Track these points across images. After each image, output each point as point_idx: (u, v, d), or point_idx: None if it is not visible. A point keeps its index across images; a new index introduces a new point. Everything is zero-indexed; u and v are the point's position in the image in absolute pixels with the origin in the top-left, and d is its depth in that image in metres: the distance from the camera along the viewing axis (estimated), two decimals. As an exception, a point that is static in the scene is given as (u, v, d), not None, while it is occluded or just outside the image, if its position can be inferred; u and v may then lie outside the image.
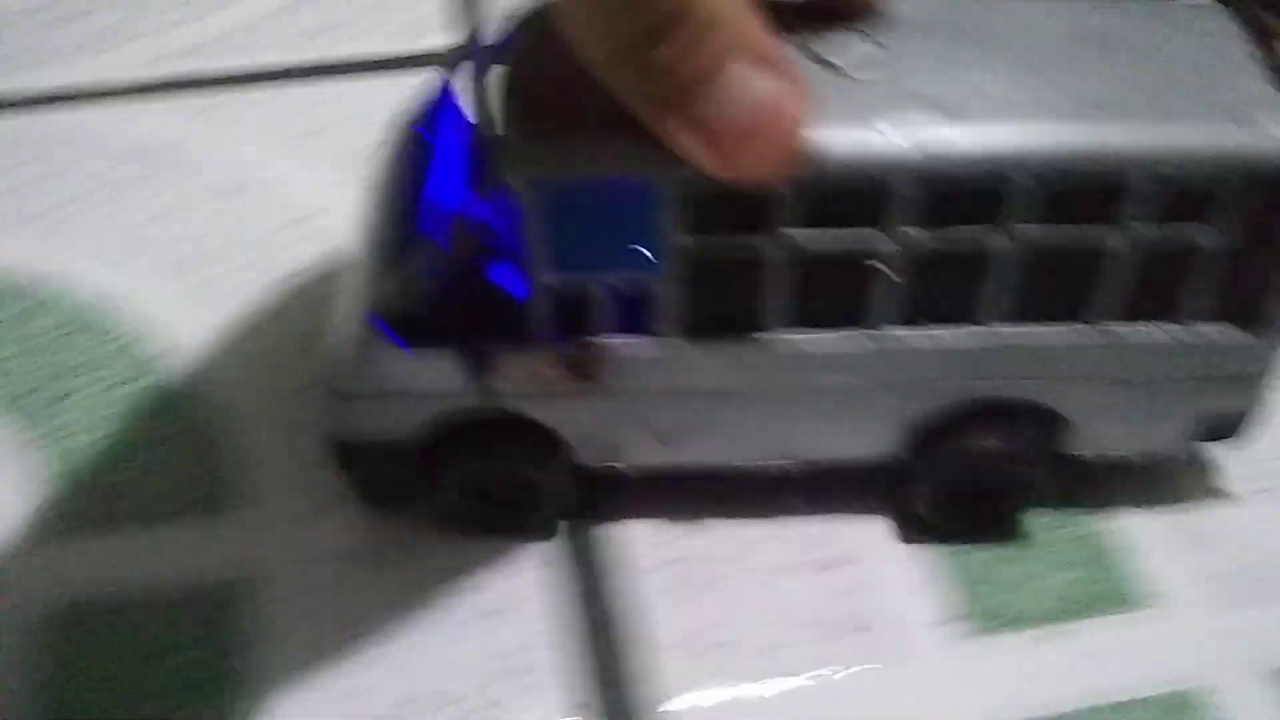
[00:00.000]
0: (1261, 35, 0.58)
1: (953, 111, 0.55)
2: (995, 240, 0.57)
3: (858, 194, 0.56)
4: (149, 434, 0.80)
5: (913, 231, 0.57)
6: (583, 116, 0.54)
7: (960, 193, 0.55)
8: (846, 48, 0.58)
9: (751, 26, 0.53)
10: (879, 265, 0.59)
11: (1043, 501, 0.73)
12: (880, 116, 0.56)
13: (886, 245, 0.58)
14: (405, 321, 0.62)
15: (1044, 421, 0.66)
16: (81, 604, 0.72)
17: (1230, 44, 0.57)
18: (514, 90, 0.58)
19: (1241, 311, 0.61)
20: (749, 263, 0.58)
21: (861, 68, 0.58)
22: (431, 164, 0.65)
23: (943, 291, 0.60)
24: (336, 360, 0.65)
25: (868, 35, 0.58)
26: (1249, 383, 0.66)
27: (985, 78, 0.57)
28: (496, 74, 0.59)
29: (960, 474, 0.68)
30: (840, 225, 0.58)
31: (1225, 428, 0.69)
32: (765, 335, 0.63)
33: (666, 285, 0.60)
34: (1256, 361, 0.64)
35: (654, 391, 0.66)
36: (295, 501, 0.76)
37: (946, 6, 0.61)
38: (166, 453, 0.79)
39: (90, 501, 0.77)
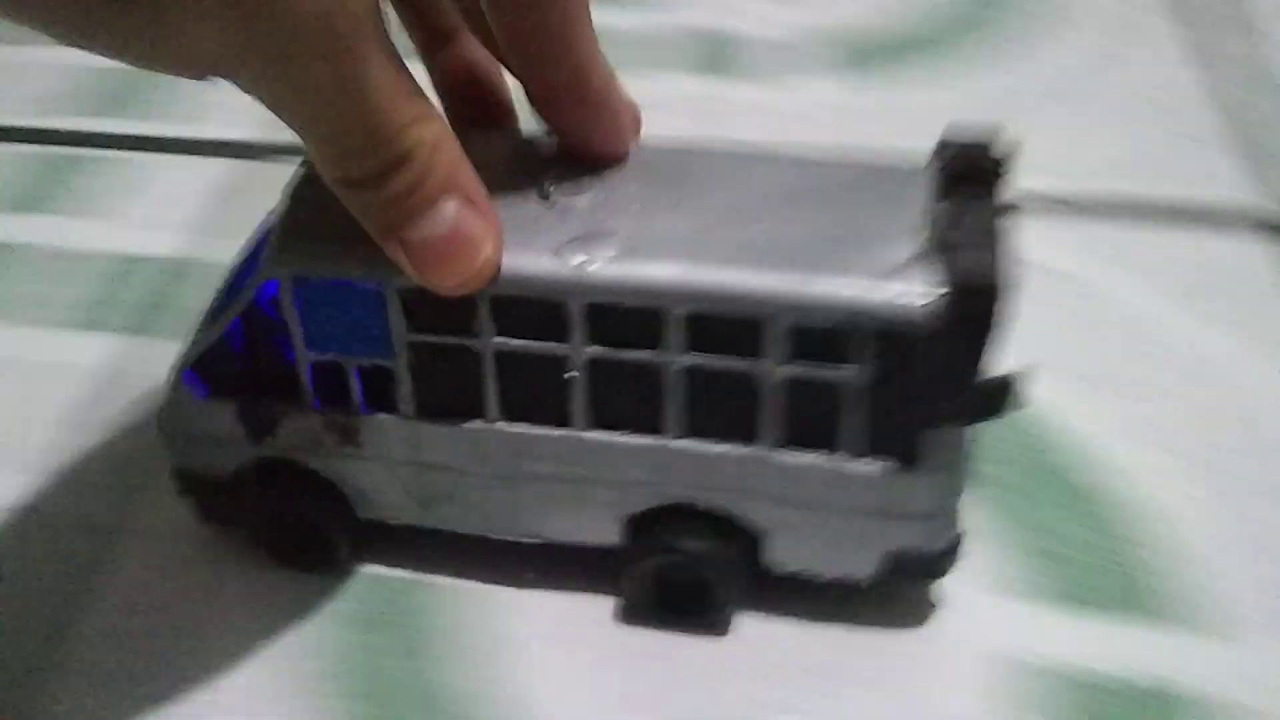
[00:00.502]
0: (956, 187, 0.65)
1: (631, 248, 0.66)
2: (661, 359, 0.67)
3: (543, 310, 0.67)
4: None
5: (589, 347, 0.68)
6: (336, 224, 0.65)
7: (622, 317, 0.66)
8: (573, 187, 0.70)
9: (461, 172, 0.67)
10: (570, 373, 0.70)
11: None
12: (570, 248, 0.66)
13: (571, 356, 0.69)
14: (206, 374, 0.76)
15: (738, 531, 0.73)
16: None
17: (910, 206, 0.65)
18: (297, 194, 0.72)
19: (895, 448, 0.66)
20: (464, 359, 0.70)
21: (575, 205, 0.69)
22: (259, 249, 0.76)
23: (626, 401, 0.69)
24: (161, 400, 0.80)
25: (597, 176, 0.70)
26: (923, 520, 0.70)
27: (677, 222, 0.67)
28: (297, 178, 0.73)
29: (664, 569, 0.75)
30: (534, 336, 0.69)
31: (916, 565, 0.73)
32: (483, 424, 0.73)
33: (399, 371, 0.72)
34: (923, 499, 0.68)
35: (400, 461, 0.76)
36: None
37: (676, 158, 0.72)
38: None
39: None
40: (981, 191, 0.62)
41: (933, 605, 0.80)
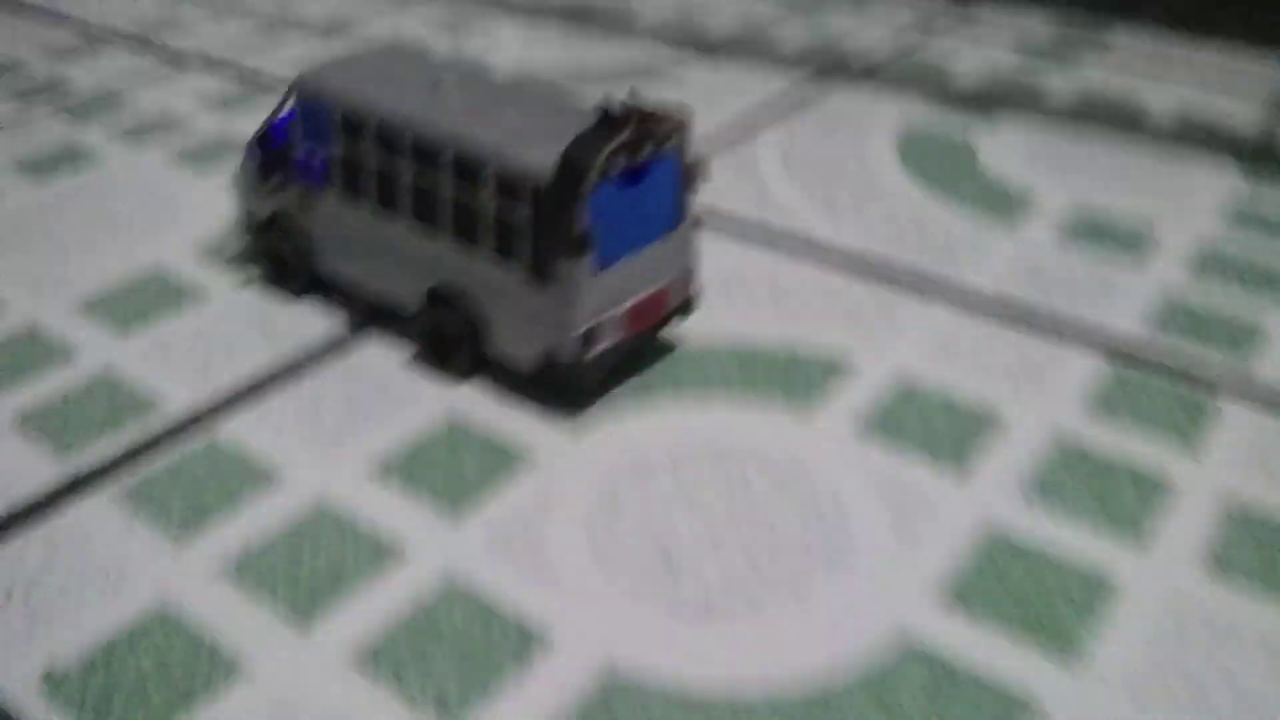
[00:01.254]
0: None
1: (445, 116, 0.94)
2: (441, 185, 0.93)
3: (395, 135, 0.95)
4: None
5: (413, 166, 0.94)
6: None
7: (426, 153, 0.93)
8: (450, 87, 0.99)
9: None
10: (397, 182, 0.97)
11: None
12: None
13: (403, 171, 0.95)
14: (263, 152, 1.08)
15: (473, 312, 0.95)
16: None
17: (576, 125, 0.89)
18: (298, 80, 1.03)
19: (541, 269, 0.89)
20: (359, 162, 0.98)
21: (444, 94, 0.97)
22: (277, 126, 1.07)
23: (430, 209, 0.94)
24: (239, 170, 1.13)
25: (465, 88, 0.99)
26: (555, 327, 0.89)
27: (476, 113, 0.94)
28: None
29: (429, 324, 0.99)
30: (391, 153, 0.96)
31: (553, 369, 0.92)
32: (364, 204, 1.00)
33: (333, 163, 1.01)
34: (552, 309, 0.89)
35: (327, 223, 1.04)
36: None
37: (501, 84, 1.01)
38: None
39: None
40: (616, 130, 0.87)
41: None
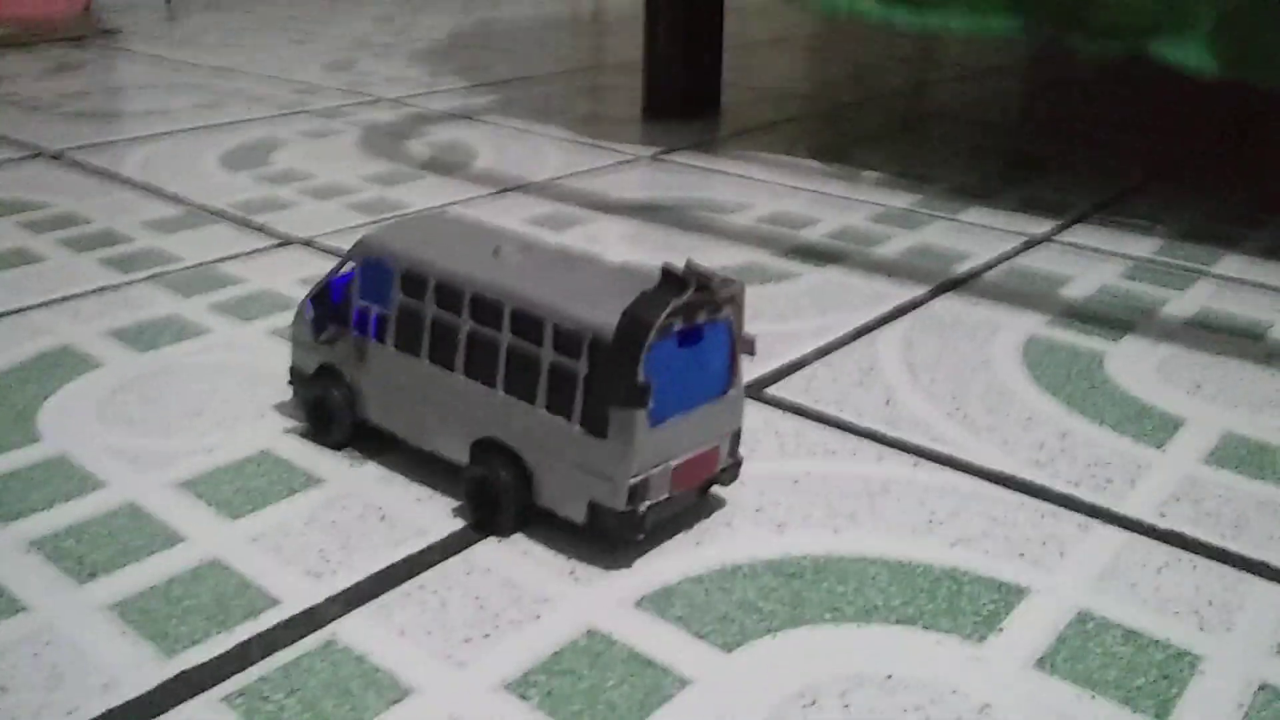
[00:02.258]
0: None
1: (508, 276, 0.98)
2: (498, 338, 0.97)
3: (454, 295, 0.99)
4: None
5: (469, 323, 0.98)
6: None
7: (484, 307, 0.97)
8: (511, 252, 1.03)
9: None
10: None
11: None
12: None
13: (460, 326, 0.99)
14: (318, 308, 1.11)
15: (521, 465, 0.96)
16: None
17: (637, 287, 0.92)
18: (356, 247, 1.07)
19: (596, 423, 0.91)
20: (416, 318, 1.01)
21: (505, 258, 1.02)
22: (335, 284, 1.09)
23: (482, 362, 0.98)
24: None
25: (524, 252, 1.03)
26: (607, 481, 0.91)
27: (539, 278, 0.99)
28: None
29: (475, 480, 0.98)
30: (449, 311, 1.00)
31: (605, 518, 0.92)
32: (418, 359, 1.03)
33: (391, 319, 1.04)
34: (606, 462, 0.90)
35: (379, 375, 1.06)
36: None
37: (557, 255, 1.05)
38: None
39: None
40: (678, 291, 0.90)
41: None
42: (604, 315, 0.90)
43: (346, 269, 1.07)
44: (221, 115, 2.57)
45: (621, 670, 0.82)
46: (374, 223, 1.82)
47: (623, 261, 1.03)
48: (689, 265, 0.92)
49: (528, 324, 0.94)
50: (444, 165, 2.18)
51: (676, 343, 0.91)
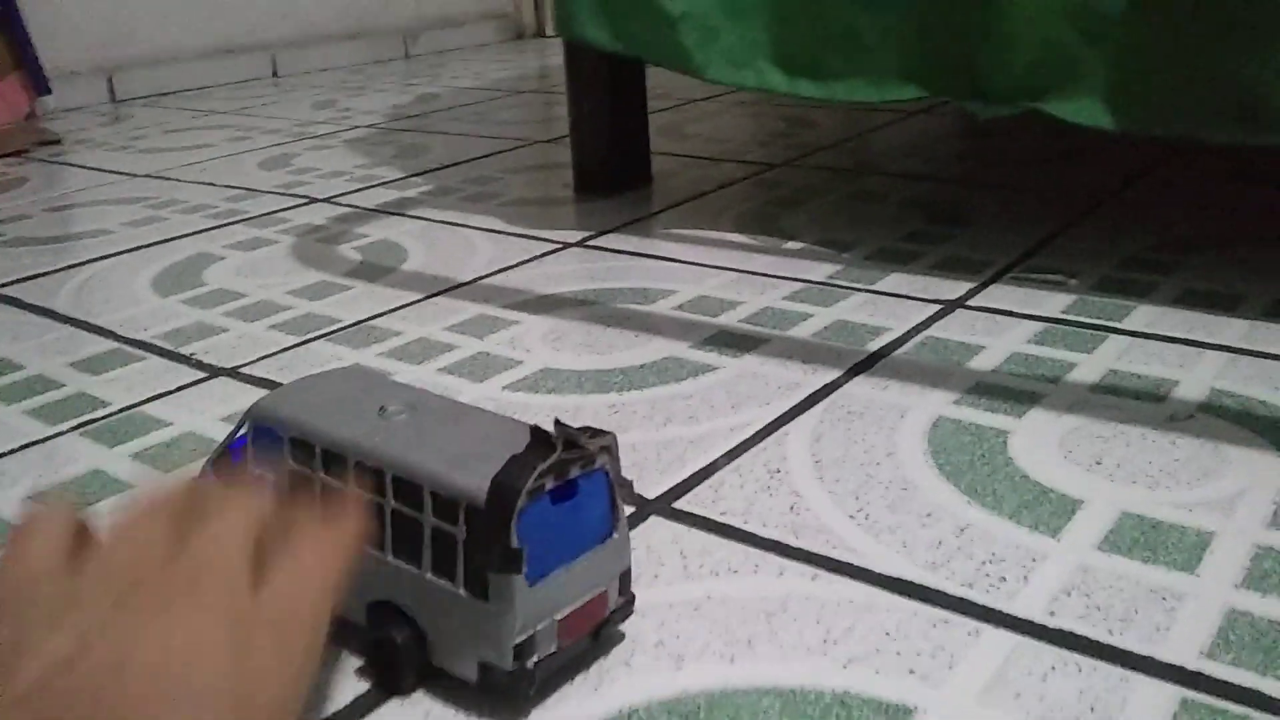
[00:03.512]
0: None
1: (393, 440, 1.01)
2: (384, 503, 0.99)
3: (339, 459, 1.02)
4: None
5: (339, 481, 1.02)
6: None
7: (372, 474, 1.00)
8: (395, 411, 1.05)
9: None
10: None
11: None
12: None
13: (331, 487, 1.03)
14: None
15: (415, 626, 0.99)
16: None
17: (511, 446, 0.96)
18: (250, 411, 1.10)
19: (477, 585, 0.94)
20: (309, 482, 1.05)
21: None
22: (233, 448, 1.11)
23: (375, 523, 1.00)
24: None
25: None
26: (493, 642, 0.94)
27: (418, 437, 1.02)
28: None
29: (372, 643, 1.02)
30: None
31: (496, 678, 0.95)
32: None
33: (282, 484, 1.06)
34: (490, 624, 0.93)
35: None
36: None
37: (445, 407, 1.08)
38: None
39: None
40: (546, 453, 0.93)
41: None
42: (478, 480, 0.93)
43: (242, 432, 1.10)
44: (156, 232, 2.60)
45: (515, 836, 0.85)
46: (301, 344, 1.85)
47: (507, 418, 1.06)
48: (557, 425, 0.95)
49: (409, 490, 0.97)
50: (373, 271, 2.22)
51: (550, 500, 0.94)
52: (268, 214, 2.71)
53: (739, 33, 2.13)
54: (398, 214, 2.64)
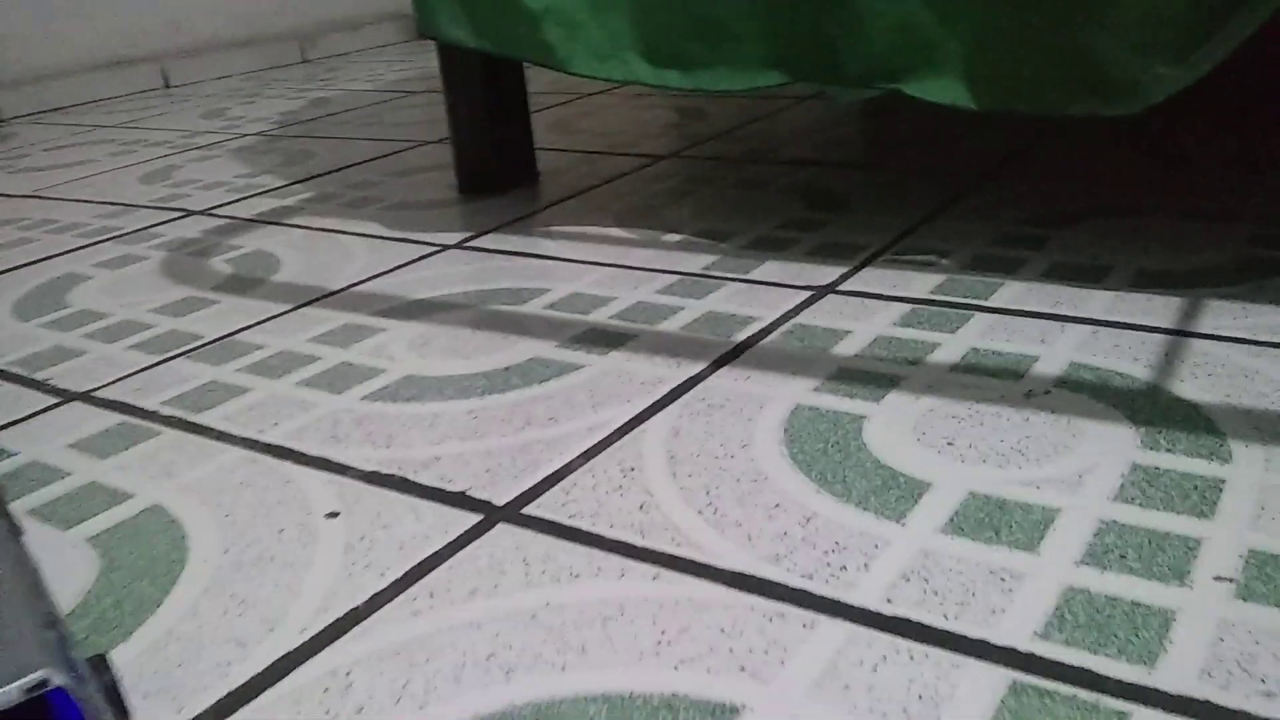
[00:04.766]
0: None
1: None
2: None
3: None
4: None
5: None
6: None
7: None
8: None
9: None
10: None
11: None
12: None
13: None
14: None
15: None
16: None
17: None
18: None
19: None
20: None
21: None
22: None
23: None
24: None
25: None
26: None
27: None
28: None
29: None
30: None
31: None
32: None
33: None
34: None
35: None
36: None
37: None
38: None
39: None
40: None
41: None
42: None
43: None
44: (23, 254, 2.52)
45: None
46: (160, 363, 1.79)
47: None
48: None
49: None
50: (243, 284, 2.16)
51: None
52: (141, 230, 2.64)
53: (603, 25, 2.10)
54: (275, 223, 2.59)
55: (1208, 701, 0.91)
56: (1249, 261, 1.86)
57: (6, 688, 0.72)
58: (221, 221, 2.65)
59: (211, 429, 1.54)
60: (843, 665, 0.98)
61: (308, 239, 2.44)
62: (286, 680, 1.02)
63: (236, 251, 2.39)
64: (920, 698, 0.94)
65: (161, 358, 1.82)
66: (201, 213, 2.75)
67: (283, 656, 1.05)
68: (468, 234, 2.37)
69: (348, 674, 1.02)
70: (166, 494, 1.37)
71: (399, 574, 1.17)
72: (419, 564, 1.18)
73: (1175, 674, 0.94)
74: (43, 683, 0.73)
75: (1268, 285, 1.75)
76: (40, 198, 3.09)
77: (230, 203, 2.82)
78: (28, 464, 1.48)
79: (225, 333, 1.91)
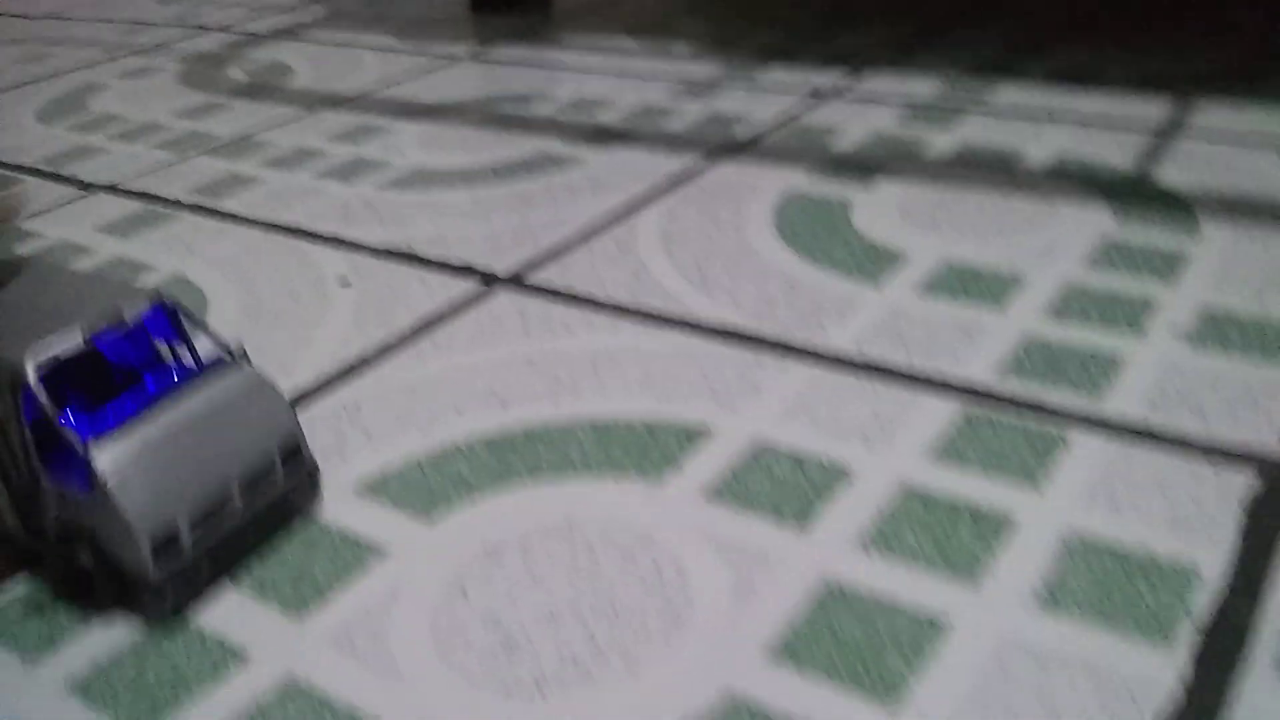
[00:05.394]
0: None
1: None
2: None
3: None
4: None
5: None
6: None
7: None
8: None
9: None
10: None
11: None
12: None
13: None
14: None
15: None
16: None
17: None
18: None
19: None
20: None
21: None
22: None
23: None
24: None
25: None
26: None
27: None
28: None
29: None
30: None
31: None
32: None
33: None
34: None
35: None
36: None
37: None
38: None
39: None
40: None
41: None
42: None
43: None
44: (44, 67, 2.57)
45: (329, 551, 0.91)
46: (181, 162, 1.86)
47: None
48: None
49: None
50: (259, 89, 2.21)
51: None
52: (158, 45, 2.67)
53: None
54: (289, 37, 2.62)
55: (1146, 426, 0.99)
56: (1246, 67, 1.88)
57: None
58: (238, 37, 2.68)
59: (230, 214, 1.61)
60: (810, 398, 1.06)
61: (322, 51, 2.47)
62: (299, 411, 1.11)
63: (251, 61, 2.43)
64: (879, 422, 1.02)
65: (181, 156, 1.88)
66: (218, 29, 2.77)
67: (297, 395, 1.14)
68: (479, 45, 2.40)
69: (358, 406, 1.11)
70: (188, 266, 1.45)
71: (405, 329, 1.25)
72: (425, 321, 1.26)
73: (1118, 404, 1.02)
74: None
75: (1261, 88, 1.78)
76: (58, 18, 3.11)
77: (246, 19, 2.85)
78: (56, 243, 1.56)
79: (242, 134, 1.96)
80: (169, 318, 0.90)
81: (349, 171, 1.73)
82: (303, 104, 2.10)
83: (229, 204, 1.64)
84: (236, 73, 2.36)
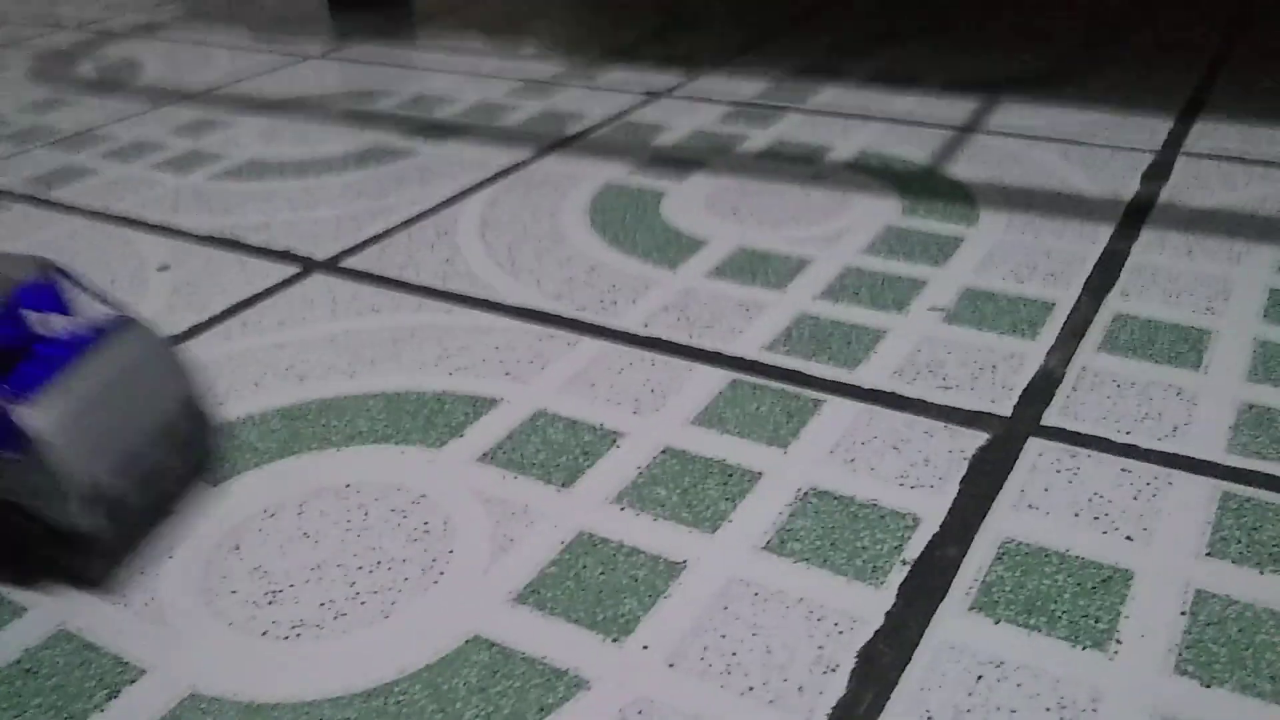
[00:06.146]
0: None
1: None
2: None
3: None
4: None
5: None
6: None
7: None
8: None
9: None
10: None
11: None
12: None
13: None
14: None
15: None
16: None
17: None
18: None
19: None
20: None
21: None
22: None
23: None
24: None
25: None
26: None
27: None
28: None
29: None
30: None
31: None
32: None
33: None
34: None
35: None
36: None
37: None
38: None
39: None
40: None
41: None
42: None
43: None
44: (-112, 60, 2.54)
45: (118, 515, 0.96)
46: (19, 154, 1.87)
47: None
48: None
49: None
50: (107, 85, 2.22)
51: None
52: (11, 41, 2.66)
53: None
54: (147, 34, 2.62)
55: (893, 392, 1.08)
56: (1052, 70, 2.01)
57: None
58: (93, 34, 2.67)
59: (60, 203, 1.63)
60: (593, 370, 1.14)
61: (176, 48, 2.49)
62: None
63: (105, 58, 2.44)
64: (652, 392, 1.10)
65: (20, 149, 1.89)
66: (74, 27, 2.77)
67: (105, 372, 1.18)
68: (332, 45, 2.44)
69: (161, 383, 1.15)
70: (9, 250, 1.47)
71: (217, 310, 1.29)
72: (237, 304, 1.31)
73: (871, 373, 1.11)
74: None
75: (1061, 90, 1.91)
76: (-90, 13, 3.07)
77: (105, 18, 2.84)
78: (-117, 233, 1.57)
79: (85, 128, 1.98)
80: (51, 289, 0.92)
81: (184, 163, 1.76)
82: (148, 99, 2.12)
83: (61, 194, 1.67)
84: (87, 68, 2.36)
